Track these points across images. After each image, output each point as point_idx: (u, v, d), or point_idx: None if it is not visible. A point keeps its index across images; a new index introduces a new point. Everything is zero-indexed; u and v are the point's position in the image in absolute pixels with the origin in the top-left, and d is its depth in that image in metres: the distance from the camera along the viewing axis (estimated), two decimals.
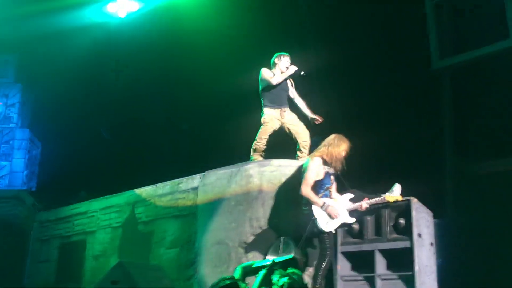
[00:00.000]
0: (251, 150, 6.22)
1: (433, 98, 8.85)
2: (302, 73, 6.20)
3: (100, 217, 7.71)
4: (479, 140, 8.61)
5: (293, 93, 6.38)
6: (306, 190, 4.95)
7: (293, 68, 6.14)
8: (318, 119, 6.26)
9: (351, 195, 5.11)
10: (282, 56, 6.25)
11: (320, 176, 5.03)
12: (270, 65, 6.33)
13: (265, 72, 6.20)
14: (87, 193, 8.57)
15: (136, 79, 11.51)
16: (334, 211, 4.89)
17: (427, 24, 8.86)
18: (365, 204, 4.90)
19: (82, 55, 10.58)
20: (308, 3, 9.80)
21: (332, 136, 5.21)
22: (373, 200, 4.89)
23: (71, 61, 10.46)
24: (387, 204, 4.85)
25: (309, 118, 6.30)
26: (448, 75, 8.97)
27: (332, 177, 5.12)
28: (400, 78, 8.53)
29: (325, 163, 5.08)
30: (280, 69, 6.20)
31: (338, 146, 5.08)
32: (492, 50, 8.36)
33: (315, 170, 5.01)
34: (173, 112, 11.69)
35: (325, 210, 4.88)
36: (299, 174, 5.64)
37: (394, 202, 4.80)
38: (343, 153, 5.09)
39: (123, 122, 11.20)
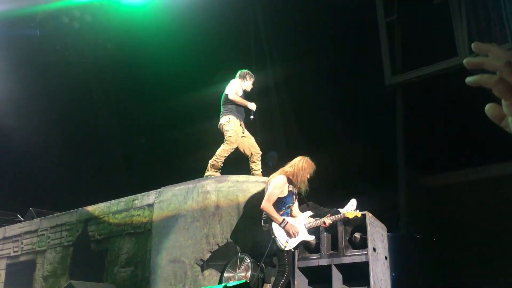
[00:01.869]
0: (209, 165, 6.16)
1: (386, 113, 9.10)
2: (251, 117, 6.21)
3: (50, 236, 7.41)
4: (431, 154, 8.91)
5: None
6: (267, 205, 4.93)
7: (253, 106, 6.15)
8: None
9: (310, 213, 5.15)
10: (251, 77, 6.39)
11: (284, 194, 5.04)
12: (235, 75, 6.39)
13: (235, 84, 6.26)
14: (37, 211, 8.22)
15: (91, 90, 11.24)
16: (293, 228, 4.88)
17: (380, 42, 9.14)
18: (328, 220, 4.92)
19: (30, 65, 10.23)
20: (264, 22, 9.92)
21: (299, 158, 5.23)
22: (334, 217, 4.92)
23: (18, 71, 10.08)
24: (346, 220, 4.91)
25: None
26: (400, 91, 9.26)
27: (294, 196, 5.14)
28: (354, 95, 8.74)
29: (290, 182, 5.10)
30: (242, 87, 6.30)
31: (303, 169, 5.10)
32: (441, 68, 8.71)
33: (280, 187, 5.01)
34: (129, 126, 11.47)
35: (284, 227, 4.86)
36: (257, 189, 5.64)
37: (354, 218, 4.87)
38: (308, 176, 5.13)
39: (75, 135, 10.86)
